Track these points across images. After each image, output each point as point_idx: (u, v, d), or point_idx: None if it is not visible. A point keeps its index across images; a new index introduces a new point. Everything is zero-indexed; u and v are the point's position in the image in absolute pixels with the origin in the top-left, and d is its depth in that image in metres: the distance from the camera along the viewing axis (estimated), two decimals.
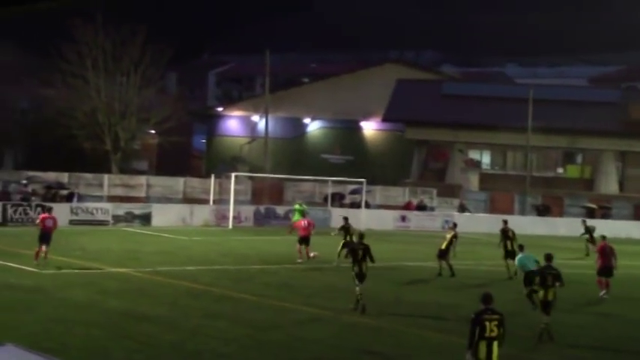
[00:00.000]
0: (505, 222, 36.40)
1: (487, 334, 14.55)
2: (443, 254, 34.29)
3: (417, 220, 61.55)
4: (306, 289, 28.82)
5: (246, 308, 24.68)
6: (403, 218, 61.71)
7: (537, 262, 25.29)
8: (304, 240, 36.36)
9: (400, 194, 68.41)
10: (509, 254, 33.79)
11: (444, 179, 77.52)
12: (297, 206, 49.03)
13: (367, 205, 61.42)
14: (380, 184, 68.23)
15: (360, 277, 24.94)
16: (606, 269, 30.48)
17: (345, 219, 36.58)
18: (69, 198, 52.77)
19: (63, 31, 62.02)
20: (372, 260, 25.44)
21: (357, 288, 24.85)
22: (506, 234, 35.35)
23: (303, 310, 24.81)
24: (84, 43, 62.88)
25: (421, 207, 64.91)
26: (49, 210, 34.24)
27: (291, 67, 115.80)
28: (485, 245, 45.04)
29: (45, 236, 31.25)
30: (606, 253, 30.75)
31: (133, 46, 63.66)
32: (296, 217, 48.13)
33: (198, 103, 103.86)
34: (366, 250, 25.24)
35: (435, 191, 69.09)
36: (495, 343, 14.58)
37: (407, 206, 64.98)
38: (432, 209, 66.02)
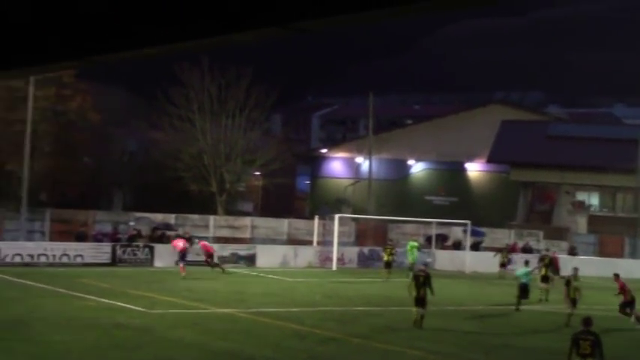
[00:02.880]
0: (617, 276, 34.88)
1: (581, 351, 17.05)
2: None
3: (522, 263, 60.30)
4: (412, 332, 28.45)
5: (351, 350, 24.47)
6: (509, 261, 60.64)
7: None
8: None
9: (506, 236, 67.36)
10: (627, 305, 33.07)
11: (551, 221, 76.15)
12: (413, 243, 50.08)
13: (476, 247, 60.70)
14: (485, 226, 67.36)
15: (418, 301, 28.16)
16: None
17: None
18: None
19: (170, 75, 63.31)
20: (432, 291, 28.68)
21: (414, 309, 28.16)
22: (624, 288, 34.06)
23: (408, 353, 24.48)
24: (190, 86, 63.99)
25: (527, 249, 63.74)
26: (177, 235, 41.48)
27: (395, 109, 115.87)
28: (597, 290, 43.90)
29: (181, 255, 42.05)
30: None
31: (239, 89, 64.47)
32: (413, 254, 48.60)
33: (302, 145, 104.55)
34: (427, 277, 28.52)
35: (541, 234, 67.82)
36: None
37: (512, 249, 63.91)
38: (539, 252, 64.73)
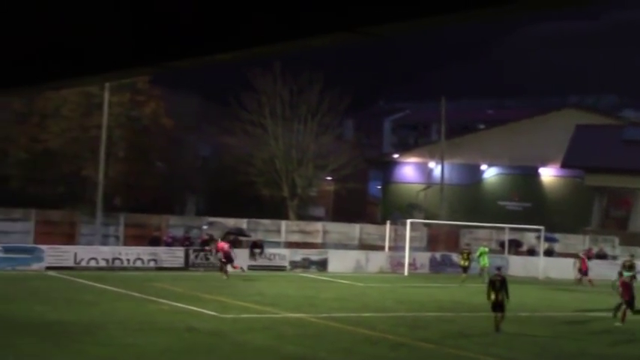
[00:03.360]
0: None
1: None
2: None
3: (597, 269, 59.48)
4: (485, 338, 28.18)
5: (423, 356, 24.35)
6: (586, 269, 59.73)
7: None
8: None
9: (580, 242, 66.44)
10: None
11: (627, 227, 74.90)
12: (484, 249, 49.94)
13: (550, 253, 59.99)
14: (559, 232, 66.53)
15: (495, 306, 28.90)
16: None
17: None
18: (256, 245, 53.01)
19: (243, 81, 63.73)
20: (507, 295, 29.09)
21: (494, 314, 28.90)
22: None
23: (481, 359, 24.25)
24: (262, 91, 64.33)
25: (601, 256, 62.81)
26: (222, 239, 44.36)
27: (467, 114, 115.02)
28: None
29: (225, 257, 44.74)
30: None
31: (311, 94, 64.63)
32: (484, 260, 48.50)
33: (374, 150, 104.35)
34: (503, 282, 29.27)
35: (617, 239, 66.78)
36: None
37: (587, 255, 62.98)
38: (615, 258, 63.76)
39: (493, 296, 29.07)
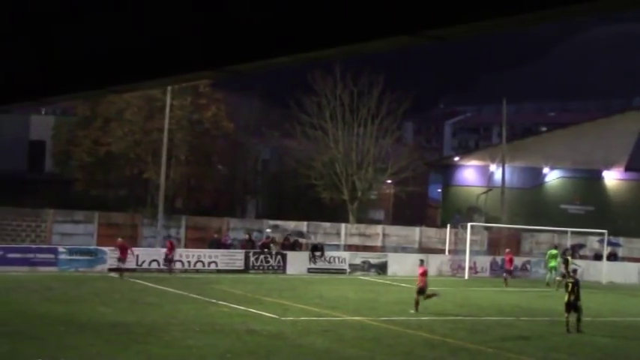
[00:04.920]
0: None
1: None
2: None
3: None
4: (546, 342, 27.92)
5: None
6: None
7: None
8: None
9: None
10: None
11: None
12: (553, 251, 49.94)
13: (613, 258, 59.21)
14: (623, 236, 65.63)
15: (568, 306, 29.77)
16: None
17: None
18: (316, 249, 53.16)
19: (303, 84, 63.90)
20: (578, 298, 29.91)
21: (566, 315, 29.66)
22: None
23: None
24: (323, 95, 64.43)
25: None
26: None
27: (529, 116, 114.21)
28: None
29: None
30: None
31: (371, 97, 64.62)
32: (552, 262, 48.32)
33: (434, 153, 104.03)
34: (575, 284, 30.26)
35: None
36: None
37: None
38: None
39: (566, 297, 29.93)
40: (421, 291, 34.60)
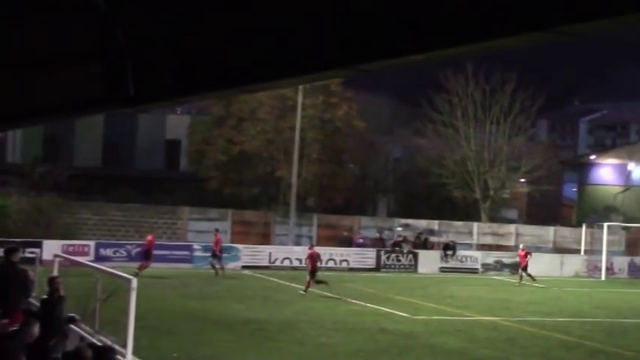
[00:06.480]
0: None
1: None
2: None
3: None
4: None
5: None
6: None
7: None
8: None
9: None
10: None
11: None
12: None
13: None
14: None
15: None
16: None
17: None
18: (448, 247, 52.86)
19: (434, 82, 63.59)
20: None
21: None
22: None
23: None
24: (454, 93, 63.96)
25: None
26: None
27: None
28: None
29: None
30: None
31: (503, 95, 63.82)
32: None
33: (569, 151, 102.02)
34: None
35: None
36: None
37: None
38: None
39: None
40: (312, 274, 36.60)
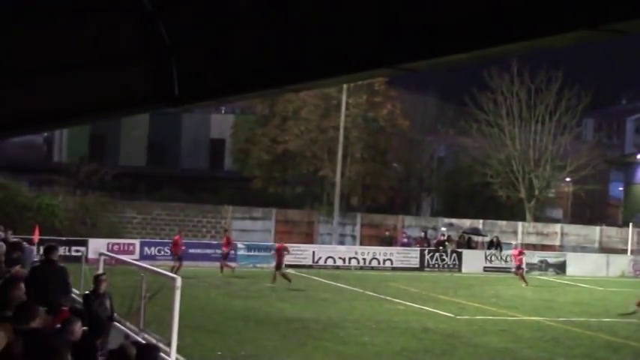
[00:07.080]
0: None
1: None
2: None
3: None
4: None
5: None
6: None
7: None
8: None
9: None
10: None
11: None
12: None
13: None
14: None
15: None
16: None
17: None
18: (493, 244, 52.68)
19: (479, 81, 63.36)
20: None
21: None
22: None
23: None
24: (499, 91, 63.66)
25: None
26: None
27: None
28: None
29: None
30: None
31: (549, 93, 63.42)
32: None
33: (615, 150, 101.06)
34: None
35: None
36: None
37: None
38: None
39: None
40: (278, 266, 37.86)
